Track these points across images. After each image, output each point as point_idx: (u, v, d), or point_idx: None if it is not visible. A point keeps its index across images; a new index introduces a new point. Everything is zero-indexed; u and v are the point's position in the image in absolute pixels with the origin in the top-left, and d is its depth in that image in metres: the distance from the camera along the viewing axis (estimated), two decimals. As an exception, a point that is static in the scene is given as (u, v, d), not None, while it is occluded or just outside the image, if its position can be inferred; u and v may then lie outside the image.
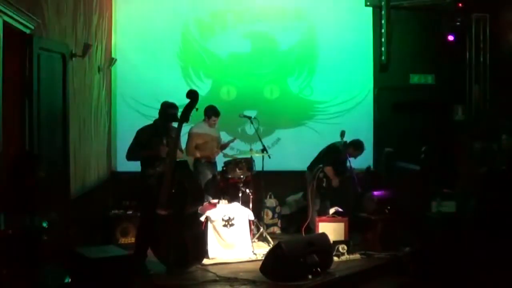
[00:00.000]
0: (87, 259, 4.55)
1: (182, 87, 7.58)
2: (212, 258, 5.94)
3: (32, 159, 4.86)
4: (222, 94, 8.23)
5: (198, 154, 6.72)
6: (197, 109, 5.56)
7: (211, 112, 6.77)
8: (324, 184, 6.80)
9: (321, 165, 6.81)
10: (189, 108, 5.45)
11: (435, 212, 6.62)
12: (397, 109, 8.47)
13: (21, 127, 4.93)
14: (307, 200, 6.95)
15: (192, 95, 5.49)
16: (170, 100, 5.77)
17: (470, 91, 8.57)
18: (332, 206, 6.78)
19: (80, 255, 4.66)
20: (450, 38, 8.48)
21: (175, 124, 5.57)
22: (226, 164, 6.74)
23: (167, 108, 5.62)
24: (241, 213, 6.24)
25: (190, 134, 6.78)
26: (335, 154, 6.89)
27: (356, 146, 6.90)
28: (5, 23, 4.45)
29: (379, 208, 6.48)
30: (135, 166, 5.73)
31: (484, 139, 7.66)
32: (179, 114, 5.55)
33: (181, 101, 5.56)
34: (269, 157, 6.79)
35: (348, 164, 6.89)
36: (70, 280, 4.24)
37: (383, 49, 8.47)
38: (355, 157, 6.93)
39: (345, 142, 6.86)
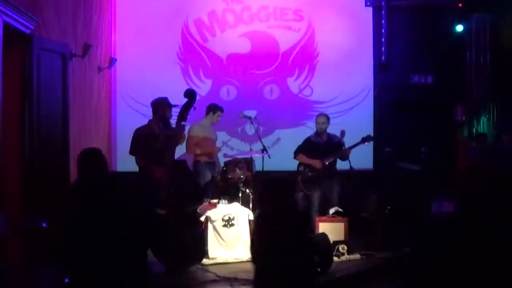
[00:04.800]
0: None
1: (182, 87, 7.56)
2: (212, 258, 5.93)
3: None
4: (222, 94, 8.23)
5: (198, 151, 6.72)
6: (195, 108, 5.57)
7: (217, 108, 6.84)
8: (310, 174, 6.81)
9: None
10: (187, 107, 5.46)
11: (435, 212, 6.61)
12: (397, 109, 8.47)
13: (21, 127, 4.93)
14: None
15: (190, 94, 5.50)
16: (170, 100, 5.78)
17: (470, 91, 8.56)
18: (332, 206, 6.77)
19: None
20: (459, 28, 8.52)
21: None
22: (226, 164, 6.73)
23: (168, 104, 5.62)
24: (241, 213, 6.23)
25: (190, 132, 6.78)
26: (304, 142, 6.97)
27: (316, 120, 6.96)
28: (5, 23, 4.45)
29: (379, 209, 6.48)
30: (135, 166, 5.74)
31: (484, 139, 7.66)
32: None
33: (181, 101, 5.56)
34: (269, 157, 6.80)
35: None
36: (70, 280, 4.24)
37: (383, 49, 8.47)
38: (323, 127, 6.86)
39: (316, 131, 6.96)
